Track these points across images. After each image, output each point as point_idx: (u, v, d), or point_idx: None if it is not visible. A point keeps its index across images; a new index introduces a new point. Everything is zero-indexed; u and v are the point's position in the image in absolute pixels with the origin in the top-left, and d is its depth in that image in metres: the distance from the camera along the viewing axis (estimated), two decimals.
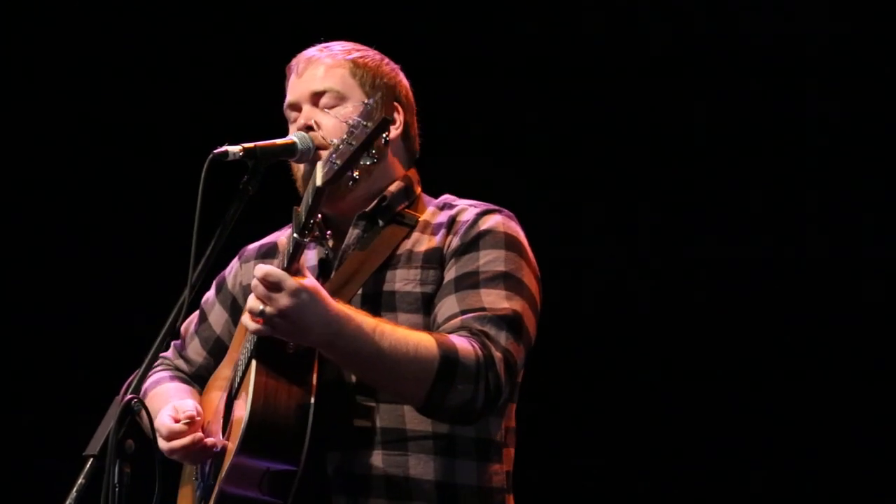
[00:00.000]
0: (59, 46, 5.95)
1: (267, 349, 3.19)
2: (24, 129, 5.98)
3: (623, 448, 5.58)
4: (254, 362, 3.19)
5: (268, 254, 3.62)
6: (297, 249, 3.08)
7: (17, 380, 5.97)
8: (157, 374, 3.69)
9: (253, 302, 3.11)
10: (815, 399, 5.39)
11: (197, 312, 3.74)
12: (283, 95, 3.57)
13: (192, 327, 3.74)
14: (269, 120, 3.64)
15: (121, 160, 5.93)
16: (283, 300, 3.06)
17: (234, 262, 3.69)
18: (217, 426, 3.38)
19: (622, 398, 5.58)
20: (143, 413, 3.02)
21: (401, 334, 3.16)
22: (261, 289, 3.07)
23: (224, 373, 3.52)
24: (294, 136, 3.38)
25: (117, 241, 5.90)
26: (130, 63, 5.93)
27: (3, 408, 5.97)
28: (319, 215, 3.08)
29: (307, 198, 3.06)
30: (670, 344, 5.54)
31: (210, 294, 3.72)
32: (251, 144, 3.25)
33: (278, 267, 3.10)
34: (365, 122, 3.00)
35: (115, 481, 2.94)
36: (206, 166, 3.17)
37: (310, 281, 3.09)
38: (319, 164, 3.05)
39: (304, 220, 3.06)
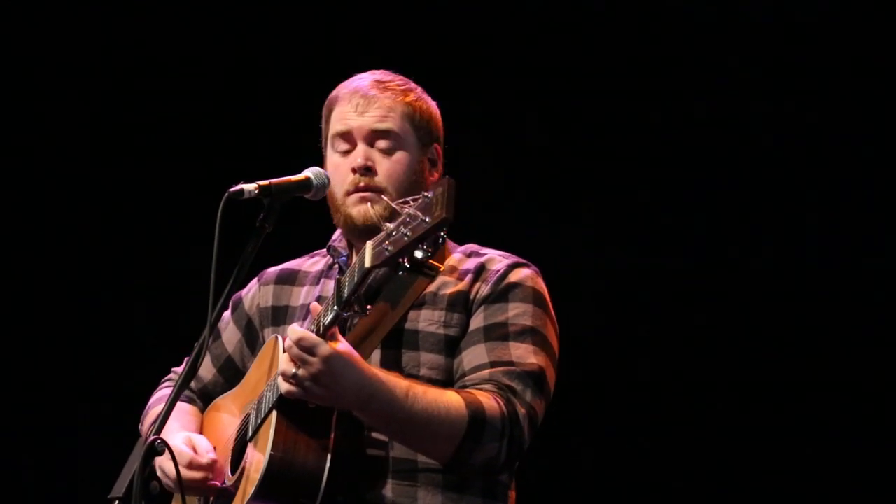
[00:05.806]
0: (76, 86, 5.97)
1: (288, 402, 3.24)
2: (52, 161, 6.00)
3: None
4: (274, 413, 3.25)
5: (287, 280, 3.65)
6: (335, 321, 3.15)
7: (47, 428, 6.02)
8: (163, 392, 3.72)
9: (286, 364, 3.18)
10: (816, 402, 5.37)
11: None
12: (310, 127, 3.59)
13: None
14: (287, 154, 3.66)
15: (137, 200, 5.93)
16: (317, 366, 3.14)
17: (253, 283, 3.70)
18: (223, 461, 3.43)
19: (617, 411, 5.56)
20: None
21: (431, 397, 3.25)
22: (295, 350, 3.15)
23: (236, 401, 3.55)
24: (309, 171, 3.39)
25: (137, 281, 5.90)
26: (148, 102, 5.94)
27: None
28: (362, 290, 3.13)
29: (353, 274, 3.11)
30: (669, 350, 5.53)
31: (226, 313, 3.72)
32: (266, 182, 3.27)
33: (307, 329, 3.17)
34: (424, 218, 2.98)
35: None
36: (221, 205, 3.19)
37: (343, 346, 3.17)
38: (369, 245, 3.07)
39: (346, 295, 3.13)
